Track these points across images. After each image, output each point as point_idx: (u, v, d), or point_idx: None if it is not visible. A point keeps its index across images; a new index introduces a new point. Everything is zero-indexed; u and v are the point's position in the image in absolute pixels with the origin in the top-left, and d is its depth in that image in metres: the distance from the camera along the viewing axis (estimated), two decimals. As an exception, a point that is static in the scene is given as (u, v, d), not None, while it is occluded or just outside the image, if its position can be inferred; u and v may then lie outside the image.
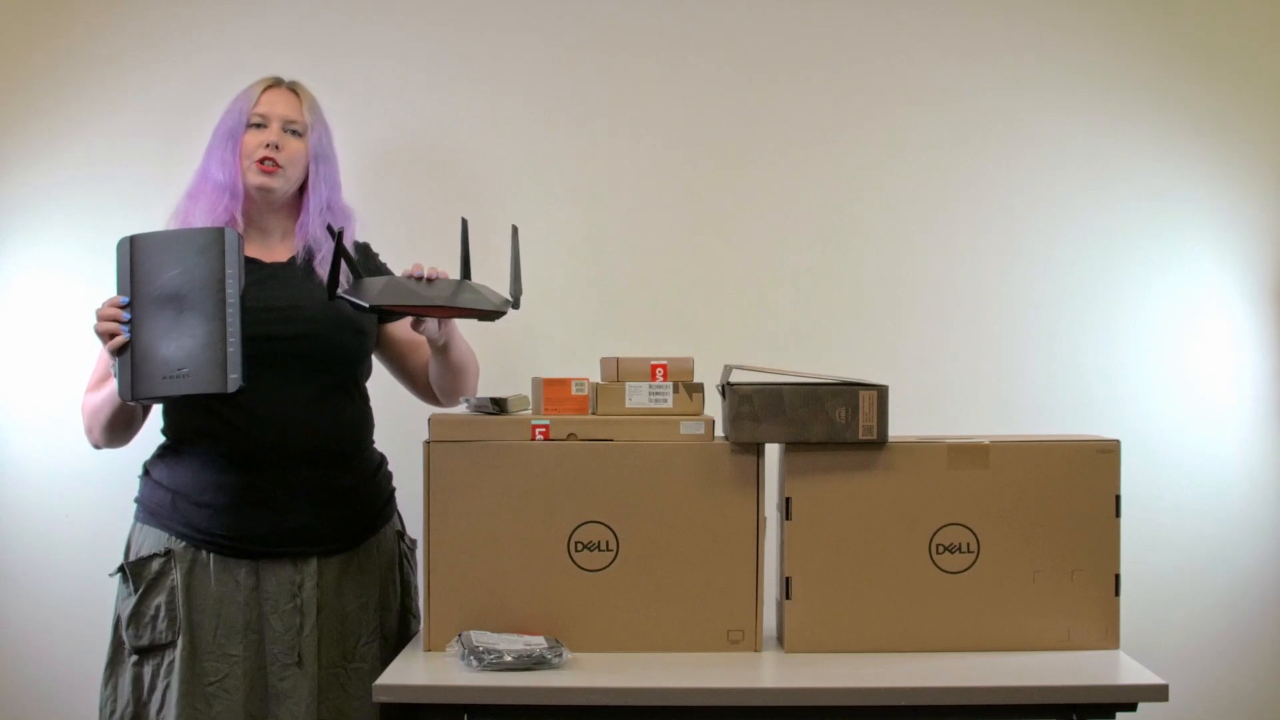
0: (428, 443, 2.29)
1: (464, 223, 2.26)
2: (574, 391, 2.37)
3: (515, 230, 2.30)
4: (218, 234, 2.21)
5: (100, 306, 2.23)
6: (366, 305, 2.20)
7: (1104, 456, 2.31)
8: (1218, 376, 2.99)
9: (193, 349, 2.18)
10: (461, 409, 2.48)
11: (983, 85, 2.98)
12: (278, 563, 2.36)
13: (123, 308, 2.21)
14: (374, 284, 2.21)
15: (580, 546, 2.29)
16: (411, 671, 2.20)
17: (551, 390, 2.36)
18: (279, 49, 2.88)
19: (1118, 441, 2.32)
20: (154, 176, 2.93)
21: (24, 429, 3.00)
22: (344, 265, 2.22)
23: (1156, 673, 2.16)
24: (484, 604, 2.27)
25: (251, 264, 2.39)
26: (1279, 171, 2.98)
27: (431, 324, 2.31)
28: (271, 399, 2.33)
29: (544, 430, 2.30)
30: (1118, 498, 2.31)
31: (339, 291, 2.21)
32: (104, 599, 2.91)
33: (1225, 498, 2.99)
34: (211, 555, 2.34)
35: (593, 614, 2.28)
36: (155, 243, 2.23)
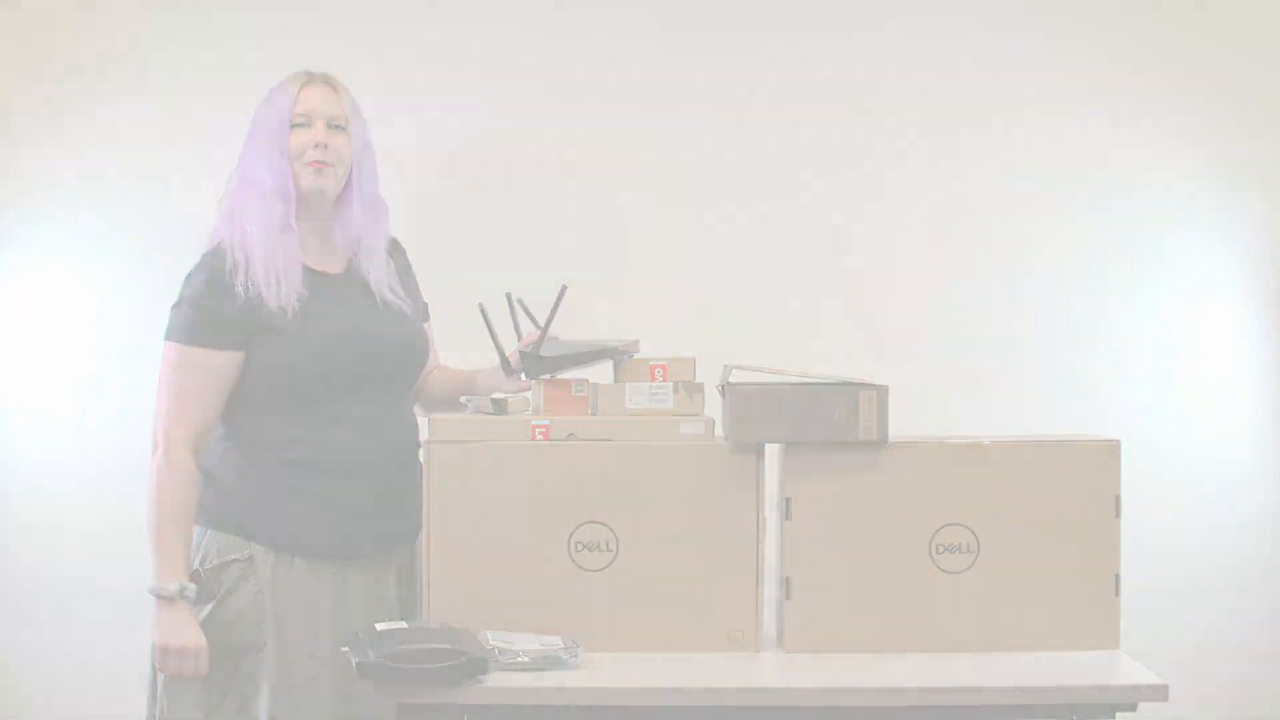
0: (428, 443, 2.29)
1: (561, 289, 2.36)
2: (574, 392, 2.36)
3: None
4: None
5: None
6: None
7: (1104, 456, 2.31)
8: (1218, 376, 2.99)
9: None
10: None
11: (983, 84, 2.98)
12: (361, 564, 2.36)
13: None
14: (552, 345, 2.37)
15: (580, 546, 2.29)
16: (411, 671, 2.19)
17: (551, 391, 2.36)
18: (282, 47, 2.88)
19: (1118, 441, 2.31)
20: (156, 174, 2.93)
21: (23, 428, 3.00)
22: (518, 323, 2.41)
23: (1156, 673, 2.16)
24: (484, 604, 2.26)
25: (315, 276, 2.36)
26: (1279, 171, 2.98)
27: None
28: (354, 412, 2.34)
29: (544, 430, 2.30)
30: (1118, 498, 2.30)
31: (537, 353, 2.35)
32: (103, 599, 2.93)
33: (1225, 498, 2.99)
34: (296, 558, 2.32)
35: (593, 614, 2.28)
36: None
